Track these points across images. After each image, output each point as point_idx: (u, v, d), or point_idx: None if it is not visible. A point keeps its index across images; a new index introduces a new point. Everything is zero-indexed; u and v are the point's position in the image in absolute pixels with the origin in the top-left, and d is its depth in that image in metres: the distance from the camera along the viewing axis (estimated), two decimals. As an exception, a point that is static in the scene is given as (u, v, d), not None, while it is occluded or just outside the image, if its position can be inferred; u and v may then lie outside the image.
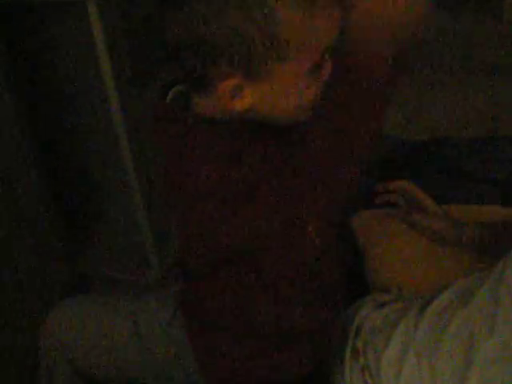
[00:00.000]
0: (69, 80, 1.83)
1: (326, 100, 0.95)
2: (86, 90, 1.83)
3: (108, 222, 2.23)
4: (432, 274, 1.41)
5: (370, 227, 1.57)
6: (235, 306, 1.14)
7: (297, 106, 0.94)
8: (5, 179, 1.68)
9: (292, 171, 0.95)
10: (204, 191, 0.96)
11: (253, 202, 0.94)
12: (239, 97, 0.91)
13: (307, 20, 0.86)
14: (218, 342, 1.19)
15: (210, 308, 1.18)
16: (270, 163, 0.94)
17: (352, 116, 0.97)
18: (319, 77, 0.93)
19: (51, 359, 1.37)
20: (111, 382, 1.34)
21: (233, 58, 0.86)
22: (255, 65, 0.88)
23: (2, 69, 1.59)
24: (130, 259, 2.19)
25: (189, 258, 1.19)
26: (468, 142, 1.85)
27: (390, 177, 1.76)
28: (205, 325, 1.20)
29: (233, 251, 1.05)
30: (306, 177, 0.97)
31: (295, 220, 1.01)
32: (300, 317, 1.16)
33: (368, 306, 1.33)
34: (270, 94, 0.91)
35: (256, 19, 0.84)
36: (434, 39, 3.72)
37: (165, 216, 2.14)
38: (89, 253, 2.22)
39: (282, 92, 0.92)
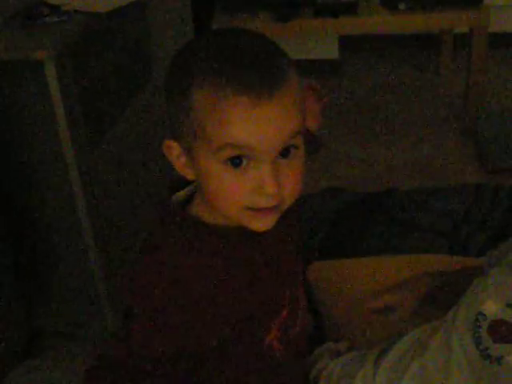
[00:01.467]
0: (26, 137, 1.85)
1: None
2: (43, 147, 1.85)
3: (61, 275, 2.22)
4: (384, 323, 1.45)
5: (322, 278, 1.61)
6: None
7: (219, 195, 0.91)
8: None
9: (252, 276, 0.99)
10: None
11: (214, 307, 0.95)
12: (185, 166, 0.94)
13: (214, 107, 0.85)
14: None
15: None
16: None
17: None
18: (247, 178, 0.88)
19: None
20: None
21: (173, 124, 0.92)
22: (184, 138, 0.91)
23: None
24: (83, 314, 2.19)
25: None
26: (414, 194, 1.93)
27: (343, 226, 1.83)
28: None
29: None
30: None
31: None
32: None
33: (324, 357, 1.36)
34: (198, 173, 0.92)
35: (181, 90, 0.88)
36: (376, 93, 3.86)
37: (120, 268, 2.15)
38: (43, 308, 2.20)
39: (203, 173, 0.91)
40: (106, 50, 2.07)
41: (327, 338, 1.48)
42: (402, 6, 3.14)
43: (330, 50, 4.18)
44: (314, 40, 4.12)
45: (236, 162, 0.87)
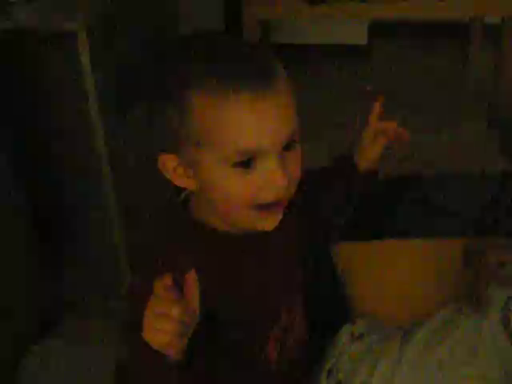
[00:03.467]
0: (55, 109, 1.86)
1: None
2: (72, 115, 1.86)
3: (83, 245, 2.23)
4: (410, 304, 1.45)
5: (350, 256, 1.61)
6: None
7: (228, 201, 0.91)
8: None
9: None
10: None
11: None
12: (184, 177, 0.93)
13: (216, 113, 0.84)
14: None
15: None
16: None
17: None
18: (255, 177, 0.89)
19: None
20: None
21: (165, 135, 0.89)
22: (180, 146, 0.89)
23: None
24: (105, 284, 2.20)
25: None
26: (441, 178, 1.92)
27: (365, 211, 1.83)
28: None
29: None
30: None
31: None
32: None
33: (344, 340, 1.36)
34: (203, 181, 0.91)
35: (174, 100, 0.86)
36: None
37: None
38: (66, 280, 2.22)
39: (210, 180, 0.90)
40: (136, 23, 2.07)
41: (349, 319, 1.48)
42: (433, -8, 3.10)
43: (358, 36, 4.15)
44: (342, 24, 4.10)
45: (246, 163, 0.87)
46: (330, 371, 1.29)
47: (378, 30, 4.28)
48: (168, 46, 0.95)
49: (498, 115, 3.28)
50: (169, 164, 0.92)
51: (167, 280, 0.78)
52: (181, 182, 0.94)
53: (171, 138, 0.89)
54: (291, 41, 4.18)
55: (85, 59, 1.71)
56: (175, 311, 0.77)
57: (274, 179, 0.88)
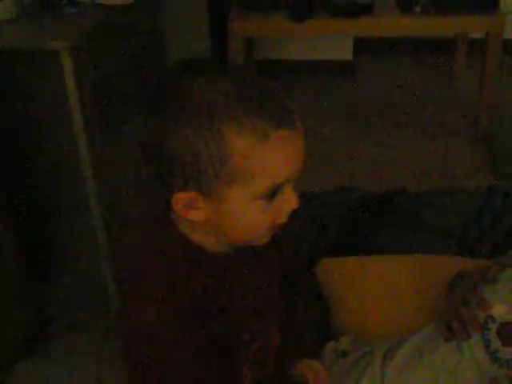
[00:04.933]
0: (39, 127, 1.86)
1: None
2: (57, 136, 1.86)
3: (70, 262, 2.23)
4: (393, 318, 1.46)
5: (331, 273, 1.62)
6: None
7: (247, 229, 0.93)
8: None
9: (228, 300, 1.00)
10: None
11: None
12: (195, 208, 0.91)
13: (256, 154, 0.84)
14: None
15: None
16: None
17: None
18: (275, 205, 0.91)
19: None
20: None
21: (186, 173, 0.87)
22: (206, 183, 0.87)
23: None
24: (90, 301, 2.20)
25: None
26: (425, 194, 1.93)
27: (354, 225, 1.83)
28: None
29: None
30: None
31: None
32: None
33: (327, 358, 1.36)
34: (222, 212, 0.91)
35: (208, 141, 0.84)
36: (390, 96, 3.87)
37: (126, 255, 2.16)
38: (51, 296, 2.22)
39: (231, 212, 0.90)
40: (121, 43, 2.08)
41: (333, 336, 1.48)
42: (417, 9, 3.13)
43: (344, 52, 4.18)
44: (328, 41, 4.13)
45: (274, 194, 0.90)
46: None
47: (364, 45, 4.31)
48: (177, 78, 0.90)
49: (483, 129, 3.31)
50: (181, 202, 0.91)
51: None
52: (192, 215, 0.92)
53: (195, 176, 0.87)
54: (277, 57, 4.21)
55: (68, 79, 1.71)
56: None
57: (292, 205, 0.92)
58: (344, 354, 1.36)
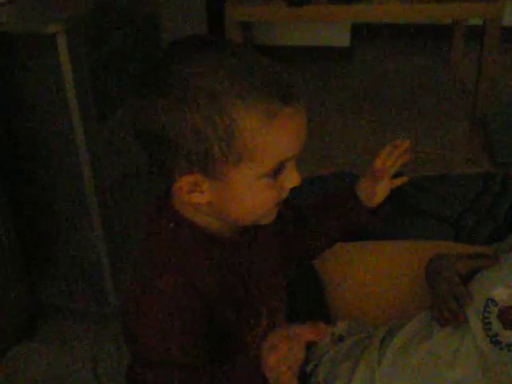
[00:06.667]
0: (35, 111, 1.85)
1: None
2: (53, 120, 1.85)
3: (66, 251, 2.22)
4: (390, 304, 1.46)
5: (328, 260, 1.61)
6: None
7: (254, 207, 0.93)
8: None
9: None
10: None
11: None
12: (198, 192, 0.91)
13: (264, 132, 0.84)
14: None
15: None
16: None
17: None
18: (278, 182, 0.91)
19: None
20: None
21: (191, 155, 0.86)
22: (212, 165, 0.87)
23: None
24: (86, 288, 2.19)
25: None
26: (422, 180, 1.92)
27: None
28: None
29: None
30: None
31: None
32: None
33: (325, 342, 1.36)
34: (227, 193, 0.91)
35: (214, 121, 0.83)
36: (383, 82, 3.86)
37: (122, 244, 2.15)
38: (47, 282, 2.21)
39: (237, 192, 0.90)
40: (117, 26, 2.06)
41: (331, 321, 1.48)
42: (415, -5, 3.12)
43: (341, 38, 4.16)
44: (325, 27, 4.11)
45: (280, 171, 0.90)
46: (310, 374, 1.29)
47: (361, 31, 4.30)
48: (176, 56, 0.87)
49: (480, 115, 3.30)
50: (185, 186, 0.90)
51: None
52: (195, 198, 0.92)
53: (201, 158, 0.87)
54: (274, 43, 4.20)
55: (64, 62, 1.70)
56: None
57: (294, 181, 0.93)
58: (341, 338, 1.36)
